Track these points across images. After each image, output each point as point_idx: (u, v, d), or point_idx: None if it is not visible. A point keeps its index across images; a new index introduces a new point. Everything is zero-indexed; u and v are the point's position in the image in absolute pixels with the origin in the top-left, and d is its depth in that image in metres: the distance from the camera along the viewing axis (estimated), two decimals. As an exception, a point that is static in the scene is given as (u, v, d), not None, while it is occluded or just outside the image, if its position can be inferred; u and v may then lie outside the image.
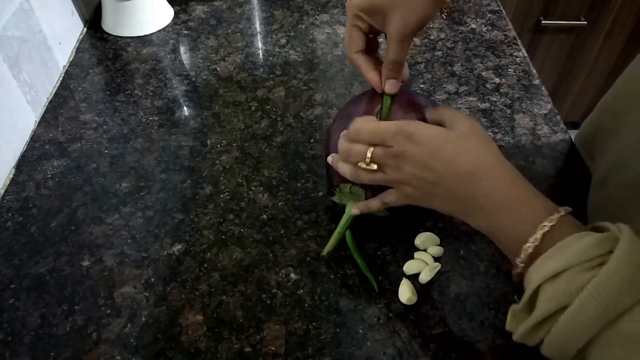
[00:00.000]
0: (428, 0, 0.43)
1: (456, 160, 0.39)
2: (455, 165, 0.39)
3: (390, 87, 0.47)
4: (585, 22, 1.43)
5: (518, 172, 0.39)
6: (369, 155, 0.42)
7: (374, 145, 0.43)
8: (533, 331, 0.34)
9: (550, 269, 0.33)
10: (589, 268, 0.32)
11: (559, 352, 0.34)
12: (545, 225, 0.35)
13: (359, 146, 0.43)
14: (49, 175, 0.60)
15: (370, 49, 0.49)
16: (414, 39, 0.50)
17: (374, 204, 0.47)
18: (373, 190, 0.48)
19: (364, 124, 0.44)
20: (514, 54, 0.78)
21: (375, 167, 0.43)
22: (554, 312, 0.33)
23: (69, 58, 0.78)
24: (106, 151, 0.63)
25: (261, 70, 0.75)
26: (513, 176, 0.39)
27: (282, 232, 0.54)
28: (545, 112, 0.69)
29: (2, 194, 0.59)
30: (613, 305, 0.30)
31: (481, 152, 0.40)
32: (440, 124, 0.43)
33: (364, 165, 0.43)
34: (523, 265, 0.36)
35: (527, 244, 0.36)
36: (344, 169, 0.46)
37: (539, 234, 0.35)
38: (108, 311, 0.48)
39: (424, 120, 0.46)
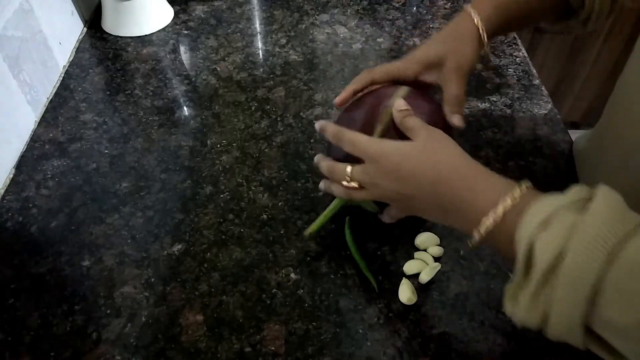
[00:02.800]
0: (474, 48, 0.51)
1: (418, 173, 0.42)
2: (419, 178, 0.42)
3: (458, 121, 0.49)
4: (586, 22, 1.43)
5: (475, 162, 0.41)
6: (348, 172, 0.45)
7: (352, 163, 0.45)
8: (535, 300, 0.33)
9: (538, 218, 0.33)
10: (576, 209, 0.32)
11: (568, 315, 0.31)
12: (513, 195, 0.36)
13: (340, 165, 0.46)
14: (49, 175, 0.61)
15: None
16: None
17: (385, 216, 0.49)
18: None
19: (347, 136, 0.46)
20: (514, 54, 0.78)
21: (355, 185, 0.45)
22: (553, 268, 0.31)
23: (69, 58, 0.78)
24: (106, 151, 0.63)
25: (261, 70, 0.75)
26: (470, 168, 0.41)
27: (282, 232, 0.54)
28: (545, 112, 0.69)
29: (2, 194, 0.59)
30: (611, 233, 0.30)
31: (439, 157, 0.42)
32: (408, 133, 0.45)
33: (345, 184, 0.46)
34: (479, 236, 0.37)
35: (488, 217, 0.37)
36: (336, 190, 0.48)
37: (508, 202, 0.36)
38: (108, 311, 0.48)
39: (429, 120, 0.46)
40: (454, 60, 0.50)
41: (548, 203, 0.34)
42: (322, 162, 0.49)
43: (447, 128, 0.48)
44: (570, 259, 0.30)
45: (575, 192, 0.34)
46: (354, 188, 0.46)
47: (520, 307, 0.34)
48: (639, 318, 0.29)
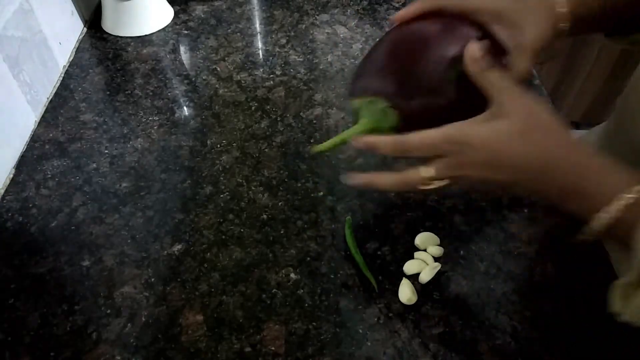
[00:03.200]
0: (551, 23, 0.42)
1: (523, 161, 0.37)
2: (524, 167, 0.37)
3: None
4: (585, 22, 1.43)
5: (585, 146, 0.37)
6: (430, 175, 0.38)
7: (430, 160, 0.39)
8: None
9: None
10: None
11: None
12: (630, 197, 0.33)
13: (410, 172, 0.40)
14: (49, 175, 0.61)
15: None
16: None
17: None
18: (406, 124, 0.40)
19: (407, 139, 0.39)
20: (514, 54, 0.78)
21: (444, 182, 0.39)
22: None
23: (69, 58, 0.78)
24: (106, 151, 0.63)
25: (261, 70, 0.75)
26: (585, 158, 0.36)
27: (282, 232, 0.54)
28: (545, 112, 0.69)
29: (2, 194, 0.59)
30: None
31: (547, 141, 0.37)
32: (485, 92, 0.38)
33: (424, 187, 0.39)
34: (594, 230, 0.35)
35: (611, 207, 0.34)
36: (398, 183, 0.41)
37: (621, 202, 0.33)
38: (108, 311, 0.48)
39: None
40: (531, 31, 0.42)
41: None
42: (394, 177, 0.41)
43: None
44: None
45: None
46: (442, 186, 0.39)
47: (633, 307, 0.33)
48: None
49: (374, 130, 0.42)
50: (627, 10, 0.46)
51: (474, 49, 0.38)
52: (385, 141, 0.41)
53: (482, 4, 0.43)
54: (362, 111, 0.43)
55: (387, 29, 0.82)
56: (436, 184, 0.39)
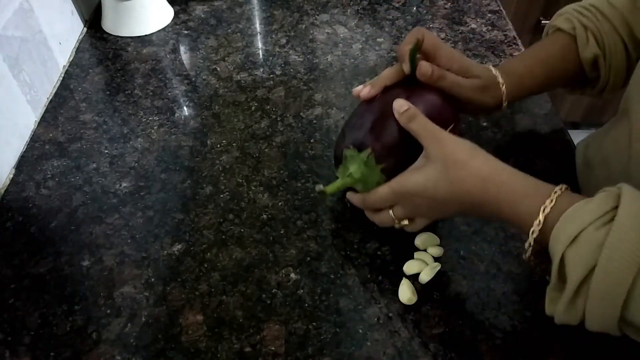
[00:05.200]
0: (491, 103, 0.54)
1: (453, 198, 0.43)
2: (457, 202, 0.43)
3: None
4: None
5: (506, 171, 0.42)
6: (393, 216, 0.47)
7: (391, 207, 0.47)
8: (571, 306, 0.35)
9: (567, 234, 0.35)
10: (602, 224, 0.34)
11: (603, 317, 0.34)
12: (545, 207, 0.38)
13: (382, 214, 0.49)
14: (49, 175, 0.61)
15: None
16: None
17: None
18: (389, 172, 0.48)
19: (366, 200, 0.49)
20: (514, 54, 0.78)
21: (406, 222, 0.48)
22: (586, 277, 0.34)
23: (69, 58, 0.78)
24: (106, 151, 0.63)
25: (261, 70, 0.75)
26: (505, 179, 0.41)
27: (282, 232, 0.54)
28: (545, 112, 0.69)
29: (2, 194, 0.59)
30: (637, 247, 0.32)
31: (463, 177, 0.42)
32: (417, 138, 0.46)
33: (397, 226, 0.48)
34: (530, 247, 0.39)
35: (532, 228, 0.38)
36: (389, 222, 0.49)
37: (541, 217, 0.38)
38: (108, 311, 0.48)
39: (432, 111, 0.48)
40: (477, 96, 0.52)
41: (576, 219, 0.35)
42: (374, 217, 0.50)
43: (456, 123, 0.50)
44: (600, 276, 0.33)
45: (601, 202, 0.35)
46: (406, 225, 0.48)
47: (558, 311, 0.36)
48: None
49: (363, 175, 0.49)
50: (552, 87, 0.60)
51: (400, 103, 0.46)
52: (357, 198, 0.50)
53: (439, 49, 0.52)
54: (348, 162, 0.50)
55: (387, 29, 0.82)
56: (405, 223, 0.48)
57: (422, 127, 0.45)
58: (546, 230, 0.37)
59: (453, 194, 0.42)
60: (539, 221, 0.38)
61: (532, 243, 0.39)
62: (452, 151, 0.43)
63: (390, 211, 0.47)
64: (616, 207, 0.34)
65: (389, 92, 0.50)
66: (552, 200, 0.38)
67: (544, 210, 0.37)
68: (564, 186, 0.39)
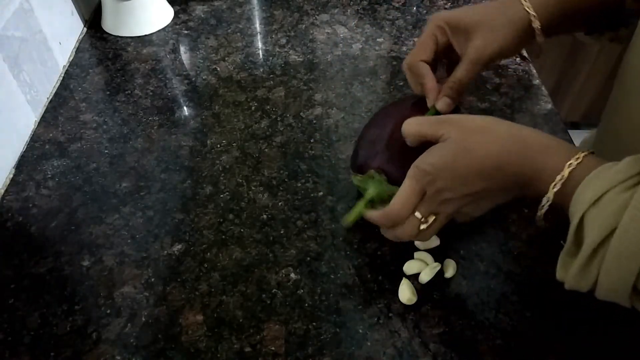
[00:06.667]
0: (513, 33, 0.46)
1: (476, 165, 0.40)
2: (480, 169, 0.40)
3: (443, 105, 0.48)
4: (585, 22, 1.43)
5: (526, 130, 0.40)
6: (419, 216, 0.43)
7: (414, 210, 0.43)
8: (585, 269, 0.34)
9: (590, 195, 0.34)
10: (627, 188, 0.33)
11: (616, 283, 0.33)
12: (571, 163, 0.36)
13: (407, 224, 0.44)
14: (49, 175, 0.61)
15: (432, 66, 0.50)
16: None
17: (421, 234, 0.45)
18: (393, 179, 0.47)
19: (390, 211, 0.44)
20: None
21: (433, 218, 0.44)
22: (603, 241, 0.32)
23: (69, 58, 0.78)
24: (106, 151, 0.63)
25: (261, 70, 0.75)
26: (525, 142, 0.39)
27: (282, 232, 0.54)
28: (545, 112, 0.69)
29: (2, 194, 0.59)
30: None
31: (485, 142, 0.40)
32: (429, 140, 0.44)
33: (424, 226, 0.44)
34: (549, 202, 0.38)
35: (554, 182, 0.37)
36: (408, 234, 0.45)
37: (566, 172, 0.36)
38: (108, 311, 0.48)
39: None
40: (480, 39, 0.46)
41: (601, 179, 0.34)
42: (387, 233, 0.47)
43: None
44: (621, 235, 0.31)
45: (628, 165, 0.34)
46: (432, 223, 0.44)
47: (570, 275, 0.35)
48: None
49: (378, 195, 0.48)
50: (588, 12, 0.49)
51: (408, 125, 0.45)
52: (377, 214, 0.46)
53: (450, 18, 0.49)
54: (365, 184, 0.50)
55: (387, 29, 0.82)
56: (430, 223, 0.43)
57: (428, 125, 0.43)
58: (567, 188, 0.36)
59: (472, 160, 0.40)
60: (562, 176, 0.36)
61: (551, 198, 0.37)
62: (463, 124, 0.42)
63: (417, 212, 0.44)
64: None
65: (406, 109, 0.51)
66: (578, 158, 0.36)
67: (569, 165, 0.36)
68: (591, 150, 0.38)
